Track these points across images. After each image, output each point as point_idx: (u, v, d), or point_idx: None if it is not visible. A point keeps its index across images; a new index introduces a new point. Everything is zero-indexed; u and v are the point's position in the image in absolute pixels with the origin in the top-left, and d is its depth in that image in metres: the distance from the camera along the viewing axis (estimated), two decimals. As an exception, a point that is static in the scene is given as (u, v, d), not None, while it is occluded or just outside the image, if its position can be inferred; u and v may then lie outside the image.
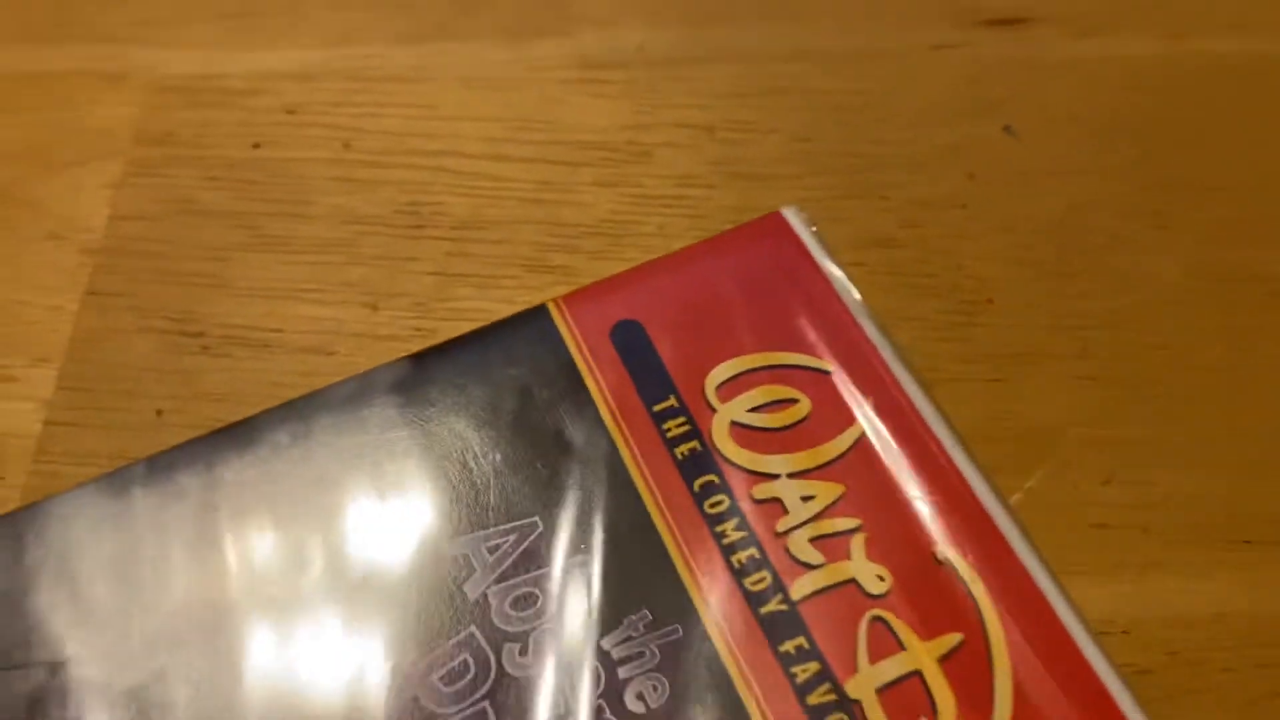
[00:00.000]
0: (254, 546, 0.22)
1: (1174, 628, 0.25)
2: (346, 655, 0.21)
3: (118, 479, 0.23)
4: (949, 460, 0.23)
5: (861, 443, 0.23)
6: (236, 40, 0.35)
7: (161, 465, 0.23)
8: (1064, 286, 0.30)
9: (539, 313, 0.25)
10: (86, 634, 0.21)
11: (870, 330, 0.24)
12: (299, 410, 0.23)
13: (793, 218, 0.26)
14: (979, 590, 0.21)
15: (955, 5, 0.35)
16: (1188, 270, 0.30)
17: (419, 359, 0.24)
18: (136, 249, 0.31)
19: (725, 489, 0.23)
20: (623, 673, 0.21)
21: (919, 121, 0.33)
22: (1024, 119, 0.33)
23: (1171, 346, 0.29)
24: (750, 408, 0.24)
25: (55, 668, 0.21)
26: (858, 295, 0.25)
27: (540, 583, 0.21)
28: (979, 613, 0.21)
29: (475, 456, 0.23)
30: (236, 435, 0.23)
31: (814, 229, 0.26)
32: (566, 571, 0.22)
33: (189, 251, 0.31)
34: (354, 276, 0.31)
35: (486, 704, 0.20)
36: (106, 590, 0.22)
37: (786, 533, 0.22)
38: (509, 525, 0.22)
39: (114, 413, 0.28)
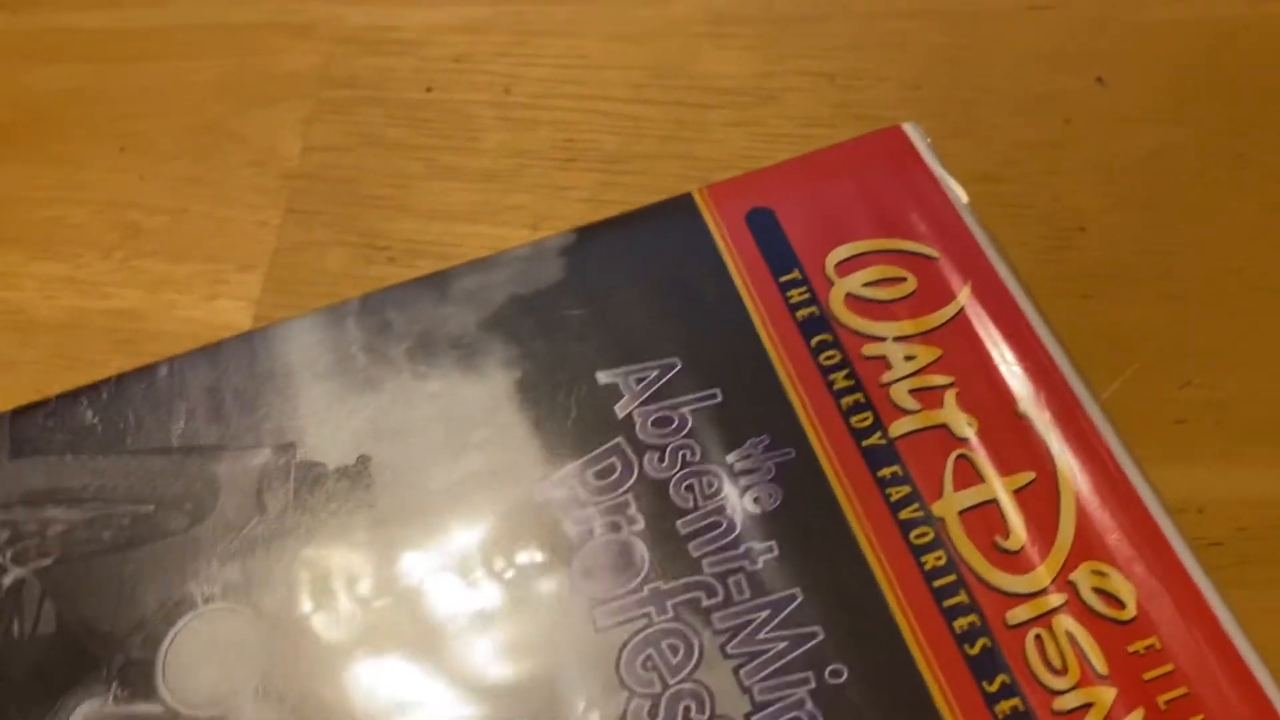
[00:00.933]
0: (441, 368, 0.26)
1: (1243, 508, 0.28)
2: (517, 453, 0.25)
3: (336, 311, 0.27)
4: (1038, 340, 0.26)
5: (960, 316, 0.27)
6: (406, -1, 0.40)
7: (372, 301, 0.27)
8: (1150, 218, 0.33)
9: (685, 199, 0.29)
10: (306, 426, 0.26)
11: (974, 227, 0.28)
12: (483, 265, 0.28)
13: (910, 131, 0.29)
14: (1053, 440, 0.25)
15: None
16: (1263, 205, 0.33)
17: (584, 230, 0.28)
18: (328, 175, 0.36)
19: (838, 346, 0.26)
20: (743, 481, 0.25)
21: (1018, 73, 0.36)
22: (1114, 72, 0.36)
23: (1246, 271, 0.32)
24: (864, 283, 0.27)
25: (281, 450, 0.25)
26: (965, 199, 0.29)
27: (677, 408, 0.26)
28: (1051, 458, 0.25)
29: (627, 306, 0.27)
30: (432, 282, 0.28)
31: (928, 141, 0.29)
32: (699, 401, 0.26)
33: (374, 178, 0.36)
34: (518, 202, 0.35)
35: (629, 495, 0.24)
36: (323, 394, 0.26)
37: (889, 384, 0.26)
38: (653, 362, 0.26)
39: (313, 311, 0.33)
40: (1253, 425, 0.29)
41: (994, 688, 0.22)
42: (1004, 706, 0.22)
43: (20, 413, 0.27)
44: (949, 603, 0.23)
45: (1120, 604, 0.23)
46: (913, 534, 0.24)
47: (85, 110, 0.38)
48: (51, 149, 0.38)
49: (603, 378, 0.26)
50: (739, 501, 0.24)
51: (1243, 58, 0.36)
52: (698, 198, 0.29)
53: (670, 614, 0.23)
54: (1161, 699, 0.22)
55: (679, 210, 0.29)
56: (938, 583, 0.23)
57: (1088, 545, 0.23)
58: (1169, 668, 0.22)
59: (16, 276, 0.35)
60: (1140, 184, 0.34)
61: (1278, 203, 0.33)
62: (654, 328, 0.27)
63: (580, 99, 0.37)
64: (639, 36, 0.38)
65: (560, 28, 0.39)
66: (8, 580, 0.24)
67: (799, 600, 0.23)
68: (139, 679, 0.23)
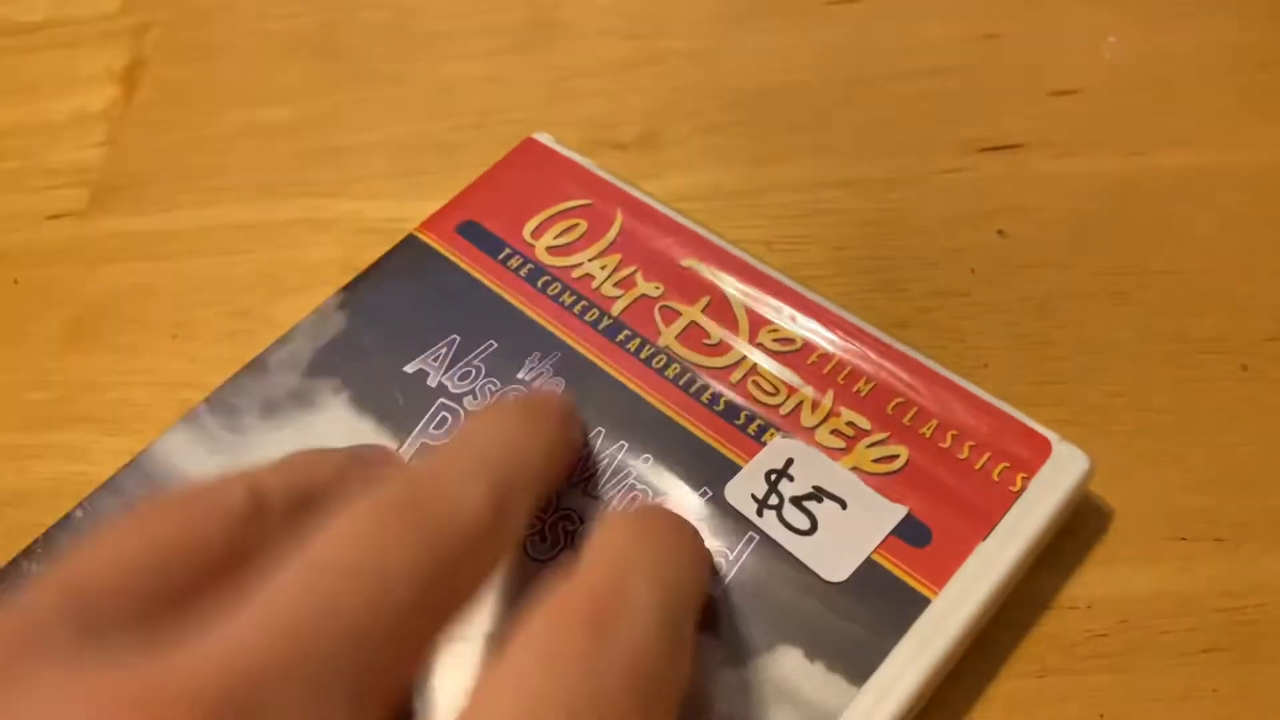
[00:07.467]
0: (289, 415, 0.34)
1: (1125, 603, 0.29)
2: (372, 442, 0.33)
3: (191, 416, 0.34)
4: (683, 227, 0.37)
5: (623, 229, 0.36)
6: (411, 194, 0.42)
7: (214, 398, 0.35)
8: (1044, 352, 0.34)
9: (409, 239, 0.37)
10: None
11: (612, 180, 0.37)
12: (287, 338, 0.36)
13: (542, 137, 0.39)
14: (714, 273, 0.35)
15: (961, 137, 0.40)
16: (1141, 335, 0.34)
17: (348, 287, 0.37)
18: (349, 353, 0.40)
19: (557, 280, 0.35)
20: (536, 384, 0.33)
21: (931, 230, 0.38)
22: (1014, 224, 0.38)
23: (1128, 394, 0.32)
24: (554, 235, 0.36)
25: None
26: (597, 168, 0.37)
27: (470, 363, 0.34)
28: (719, 285, 0.35)
29: (404, 319, 0.35)
30: (255, 365, 0.35)
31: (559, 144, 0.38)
32: (482, 352, 0.34)
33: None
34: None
35: None
36: (212, 470, 0.32)
37: (599, 287, 0.34)
38: (440, 344, 0.34)
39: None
40: (1134, 532, 0.32)
41: (740, 421, 0.31)
42: (752, 427, 0.31)
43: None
44: (692, 389, 0.32)
45: (792, 340, 0.33)
46: (654, 363, 0.33)
47: (143, 303, 0.42)
48: (116, 339, 0.41)
49: (409, 368, 0.33)
50: None
51: (1120, 206, 0.38)
52: (417, 232, 0.37)
53: None
54: (839, 379, 0.32)
55: (409, 247, 0.37)
56: (680, 381, 0.32)
57: (758, 322, 0.33)
58: (844, 366, 0.32)
59: (92, 452, 0.38)
60: (1035, 323, 0.35)
61: (1154, 334, 0.35)
62: (429, 323, 0.34)
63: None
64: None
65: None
66: None
67: (603, 433, 0.31)
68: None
